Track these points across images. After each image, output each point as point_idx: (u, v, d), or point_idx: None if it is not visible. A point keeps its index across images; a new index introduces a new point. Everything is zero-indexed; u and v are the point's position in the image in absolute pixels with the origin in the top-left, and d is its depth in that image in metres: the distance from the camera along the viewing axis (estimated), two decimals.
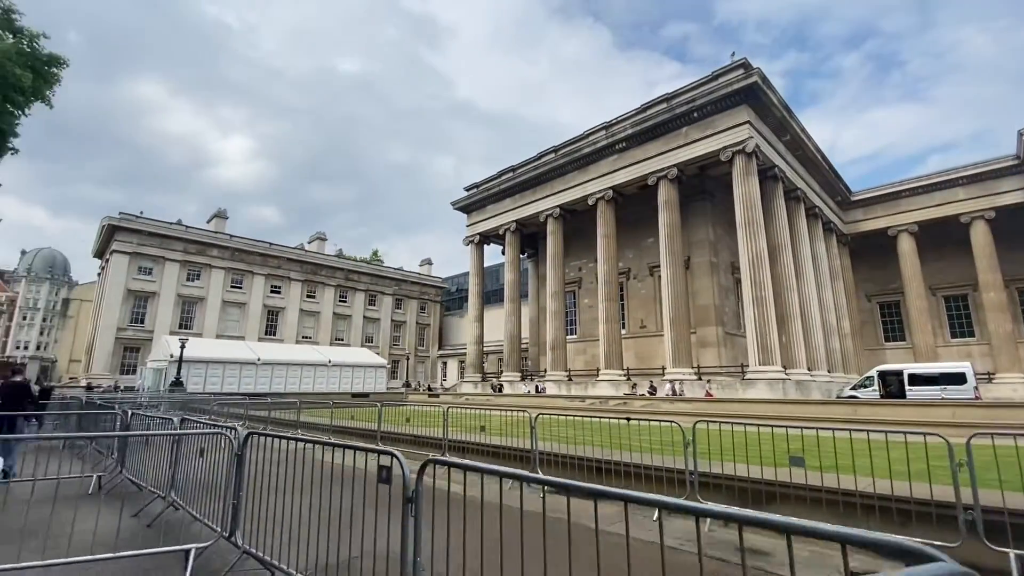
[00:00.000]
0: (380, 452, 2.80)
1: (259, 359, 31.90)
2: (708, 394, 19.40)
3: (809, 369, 25.81)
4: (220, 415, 14.37)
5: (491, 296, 48.18)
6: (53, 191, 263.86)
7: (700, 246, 29.43)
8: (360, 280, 55.51)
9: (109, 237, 42.00)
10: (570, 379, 30.60)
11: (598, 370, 29.03)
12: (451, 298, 65.38)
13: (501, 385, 29.59)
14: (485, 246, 40.79)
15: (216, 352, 31.63)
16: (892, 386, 24.44)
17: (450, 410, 7.93)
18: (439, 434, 7.83)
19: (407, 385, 49.90)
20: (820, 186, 33.91)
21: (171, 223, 44.06)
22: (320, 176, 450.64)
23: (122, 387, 32.54)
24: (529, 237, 39.27)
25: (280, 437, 3.66)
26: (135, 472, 6.05)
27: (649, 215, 30.77)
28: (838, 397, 25.25)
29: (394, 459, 2.51)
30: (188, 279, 43.48)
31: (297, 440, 3.63)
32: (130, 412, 6.51)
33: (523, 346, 38.84)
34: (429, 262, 65.62)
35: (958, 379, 22.74)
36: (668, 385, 20.87)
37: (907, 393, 23.59)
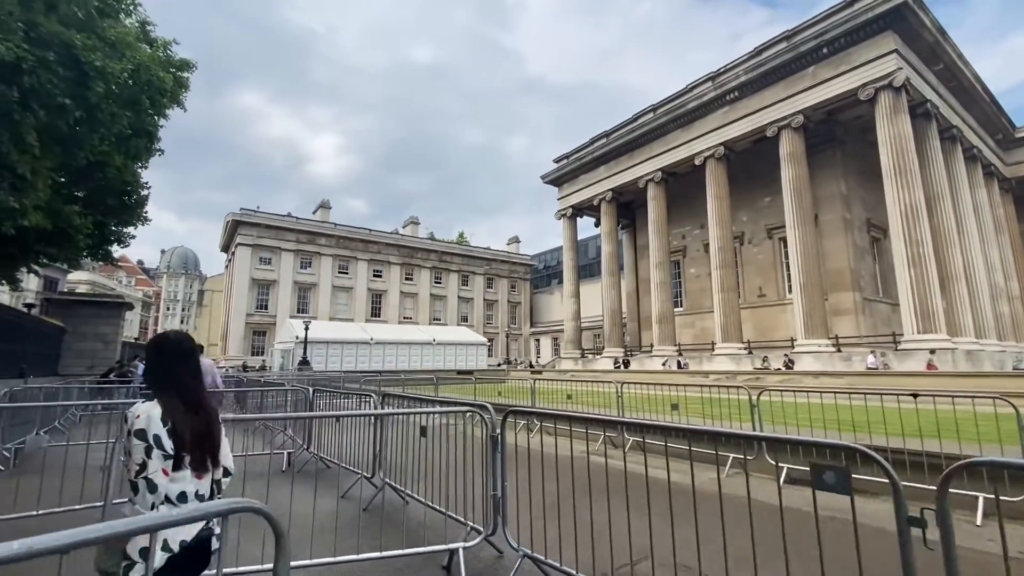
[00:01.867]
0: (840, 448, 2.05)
1: (372, 339, 33.57)
2: (930, 366, 16.90)
3: (977, 337, 22.14)
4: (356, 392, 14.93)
5: (582, 271, 46.93)
6: (179, 197, 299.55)
7: (830, 202, 26.10)
8: (452, 261, 56.68)
9: (233, 231, 46.16)
10: (680, 354, 28.91)
11: (713, 344, 27.09)
12: (538, 275, 64.98)
13: (627, 360, 28.24)
14: (578, 219, 39.52)
15: (332, 333, 33.71)
16: None
17: (624, 388, 7.18)
18: (612, 414, 7.08)
19: (507, 362, 50.47)
20: (977, 122, 28.67)
21: (283, 215, 47.50)
22: (401, 165, 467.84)
23: (256, 367, 35.88)
24: (624, 207, 37.34)
25: (547, 415, 3.10)
26: (324, 450, 6.02)
27: (765, 172, 27.83)
28: (1015, 369, 21.48)
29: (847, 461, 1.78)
30: (301, 267, 46.83)
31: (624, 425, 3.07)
32: (311, 390, 6.49)
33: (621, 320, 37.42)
34: (516, 240, 65.46)
35: None
36: (871, 358, 18.49)
37: None
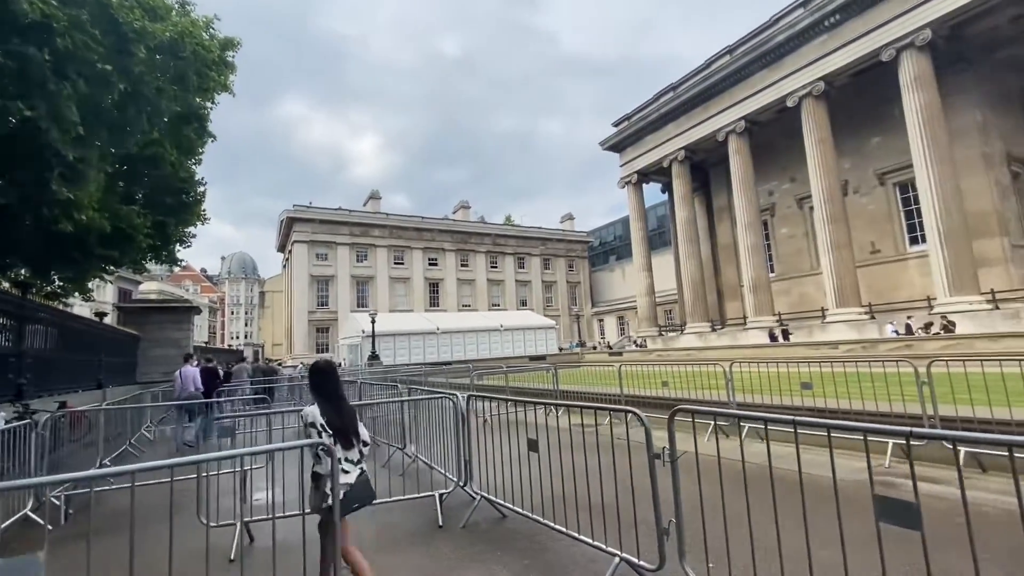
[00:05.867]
0: None
1: (437, 328, 32.18)
2: None
3: None
4: (448, 387, 13.21)
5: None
6: (235, 207, 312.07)
7: (964, 135, 21.99)
8: (507, 243, 54.72)
9: (288, 229, 46.03)
10: (780, 324, 25.71)
11: (823, 310, 23.79)
12: (594, 253, 62.04)
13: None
14: (644, 185, 36.42)
15: (396, 325, 32.54)
16: None
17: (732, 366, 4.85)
18: (902, 409, 4.85)
19: (581, 344, 48.01)
20: None
21: (336, 209, 46.94)
22: (438, 159, 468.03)
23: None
24: (695, 168, 33.75)
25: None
26: (488, 484, 4.04)
27: (868, 109, 24.21)
28: None
29: None
30: (358, 260, 46.20)
31: None
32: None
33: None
34: (571, 217, 62.62)
35: None
36: None
37: None
